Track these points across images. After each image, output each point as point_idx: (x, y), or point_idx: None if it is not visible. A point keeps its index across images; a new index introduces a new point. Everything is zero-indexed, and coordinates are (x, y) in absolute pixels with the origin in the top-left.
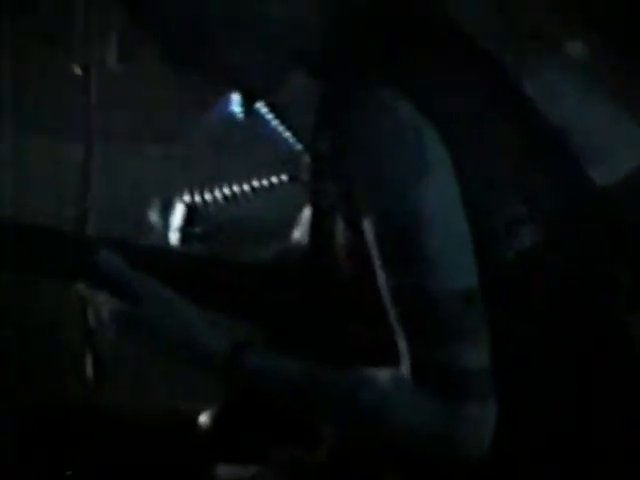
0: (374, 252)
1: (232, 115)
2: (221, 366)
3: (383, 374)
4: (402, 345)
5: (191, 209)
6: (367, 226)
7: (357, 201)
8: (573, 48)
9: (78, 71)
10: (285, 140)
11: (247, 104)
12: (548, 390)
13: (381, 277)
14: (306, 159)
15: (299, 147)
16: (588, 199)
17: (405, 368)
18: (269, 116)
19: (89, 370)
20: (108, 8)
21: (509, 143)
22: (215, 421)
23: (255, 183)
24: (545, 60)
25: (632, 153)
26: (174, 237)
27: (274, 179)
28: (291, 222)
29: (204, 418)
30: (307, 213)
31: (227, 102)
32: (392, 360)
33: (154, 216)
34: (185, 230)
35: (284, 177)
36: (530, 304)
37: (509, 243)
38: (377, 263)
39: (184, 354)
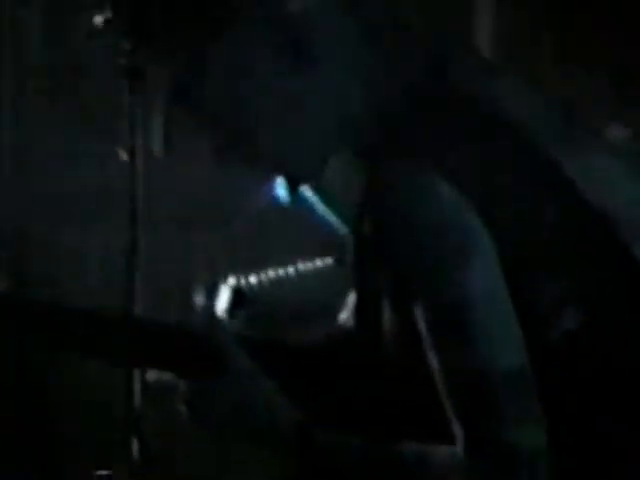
0: (422, 333)
1: (277, 199)
2: (293, 442)
3: (439, 452)
4: (455, 424)
5: (237, 292)
6: (414, 308)
7: (403, 284)
8: (615, 130)
9: (124, 156)
10: (330, 223)
11: (291, 188)
12: (597, 460)
13: (430, 357)
14: (351, 242)
15: (344, 230)
16: (632, 278)
17: (460, 446)
18: (314, 199)
19: (135, 452)
20: (154, 94)
21: (552, 224)
22: None
23: (300, 266)
24: (589, 144)
25: None
26: (220, 320)
27: (319, 262)
28: (336, 305)
29: None
30: (353, 296)
31: (272, 186)
32: (446, 438)
33: (200, 299)
34: (231, 313)
35: (329, 260)
36: (578, 382)
37: (554, 323)
38: (426, 344)
39: (260, 430)
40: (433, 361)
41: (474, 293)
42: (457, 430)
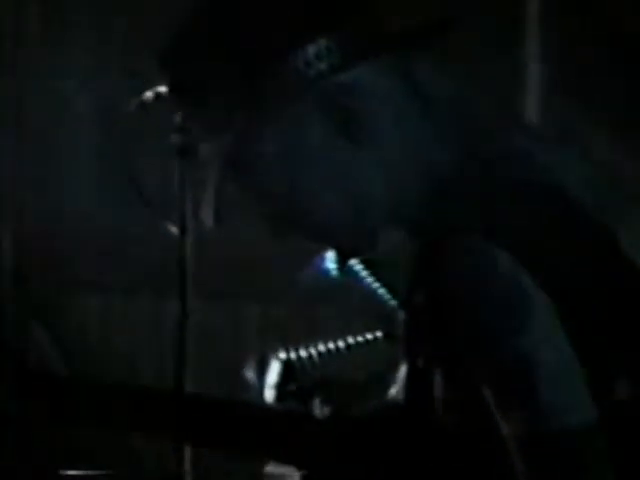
0: (489, 401)
1: (327, 272)
2: None
3: None
4: None
5: (287, 366)
6: (478, 378)
7: (460, 357)
8: None
9: (174, 231)
10: (380, 296)
11: (341, 261)
12: None
13: (501, 424)
14: (401, 315)
15: (394, 303)
16: None
17: None
18: (363, 273)
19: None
20: (205, 169)
21: (606, 297)
22: None
23: (350, 340)
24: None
25: None
26: (270, 394)
27: (369, 336)
28: (387, 379)
29: None
30: (403, 370)
31: (322, 260)
32: None
33: (250, 373)
34: (281, 387)
35: (379, 334)
36: (629, 446)
37: (606, 395)
38: (495, 411)
39: None
40: (504, 427)
41: (536, 356)
42: None
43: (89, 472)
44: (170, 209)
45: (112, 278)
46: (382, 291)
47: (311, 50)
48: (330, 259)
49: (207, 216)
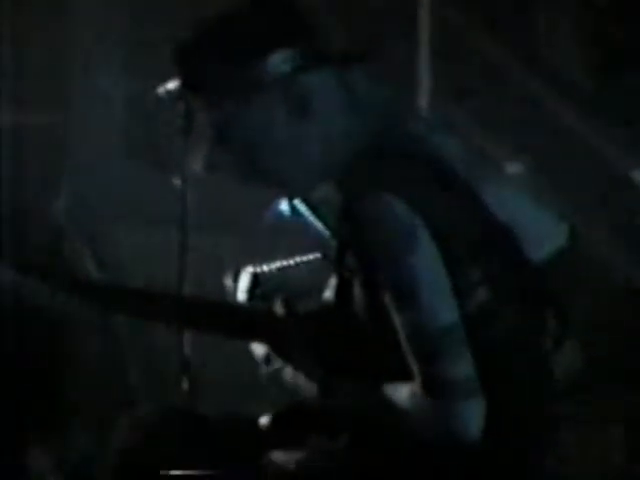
0: (387, 303)
1: (281, 212)
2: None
3: (402, 387)
4: (413, 367)
5: (254, 277)
6: (381, 286)
7: (371, 271)
8: (513, 167)
9: (178, 182)
10: (318, 229)
11: (291, 204)
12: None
13: (394, 319)
14: (333, 242)
15: (327, 234)
16: (525, 269)
17: (417, 383)
18: (307, 213)
19: (185, 387)
20: (199, 139)
21: (470, 231)
22: (272, 420)
23: (298, 259)
24: (498, 179)
25: (552, 241)
26: (242, 297)
27: (311, 256)
28: (322, 287)
29: (264, 419)
30: (333, 280)
31: (278, 203)
32: (406, 377)
33: (229, 282)
34: (250, 292)
35: (318, 255)
36: (487, 338)
37: (470, 298)
38: (390, 310)
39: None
40: (396, 321)
41: (419, 274)
42: (414, 370)
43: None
44: (175, 168)
45: (134, 218)
46: (319, 225)
47: (279, 57)
48: (284, 203)
49: (199, 168)
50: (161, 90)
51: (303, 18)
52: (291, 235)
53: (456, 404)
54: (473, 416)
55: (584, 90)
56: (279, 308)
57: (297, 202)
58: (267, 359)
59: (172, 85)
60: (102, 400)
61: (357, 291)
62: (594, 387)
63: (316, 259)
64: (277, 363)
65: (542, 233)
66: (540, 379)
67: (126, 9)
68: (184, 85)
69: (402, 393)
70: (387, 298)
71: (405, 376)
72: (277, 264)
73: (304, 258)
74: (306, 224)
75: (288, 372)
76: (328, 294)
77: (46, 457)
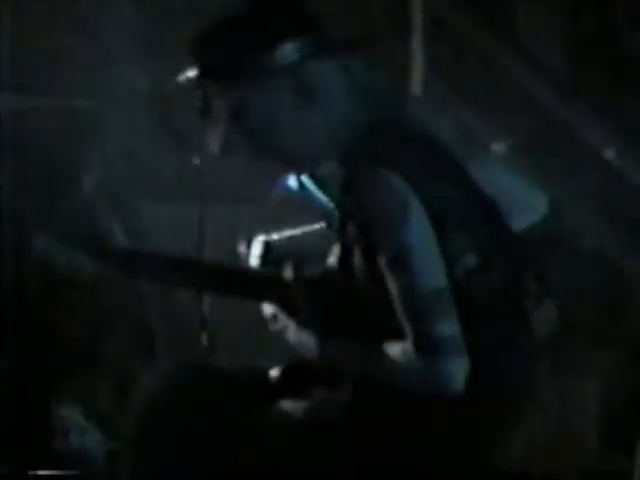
0: (382, 268)
1: (290, 185)
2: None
3: (395, 345)
4: (405, 326)
5: (266, 244)
6: (378, 253)
7: (371, 239)
8: (498, 147)
9: (197, 161)
10: (322, 202)
11: (299, 180)
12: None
13: (389, 282)
14: (336, 214)
15: (331, 206)
16: (508, 238)
17: (408, 341)
18: (312, 186)
19: (205, 342)
20: (216, 120)
21: (459, 204)
22: (282, 374)
23: (305, 228)
24: (481, 155)
25: (532, 213)
26: (255, 262)
27: (317, 226)
28: (326, 252)
29: (274, 372)
30: (337, 247)
31: (286, 178)
32: (400, 336)
33: (243, 250)
34: (262, 258)
35: (323, 224)
36: (475, 299)
37: (458, 264)
38: (385, 274)
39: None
40: (390, 284)
41: (412, 242)
42: (406, 328)
43: None
44: (195, 148)
45: (157, 192)
46: (324, 198)
47: (288, 47)
48: (292, 178)
49: (216, 147)
50: (181, 77)
51: (310, 12)
52: (298, 207)
53: (442, 359)
54: (457, 371)
55: (561, 73)
56: (288, 272)
57: (304, 177)
58: (274, 318)
59: (191, 73)
60: (125, 354)
61: (357, 257)
62: (570, 342)
63: (321, 229)
64: (283, 322)
65: (523, 206)
66: (522, 335)
67: (149, 3)
68: (202, 73)
69: (395, 350)
70: (383, 263)
71: (398, 334)
72: (286, 233)
73: (310, 228)
74: (312, 197)
75: (291, 330)
76: (332, 260)
77: (74, 409)
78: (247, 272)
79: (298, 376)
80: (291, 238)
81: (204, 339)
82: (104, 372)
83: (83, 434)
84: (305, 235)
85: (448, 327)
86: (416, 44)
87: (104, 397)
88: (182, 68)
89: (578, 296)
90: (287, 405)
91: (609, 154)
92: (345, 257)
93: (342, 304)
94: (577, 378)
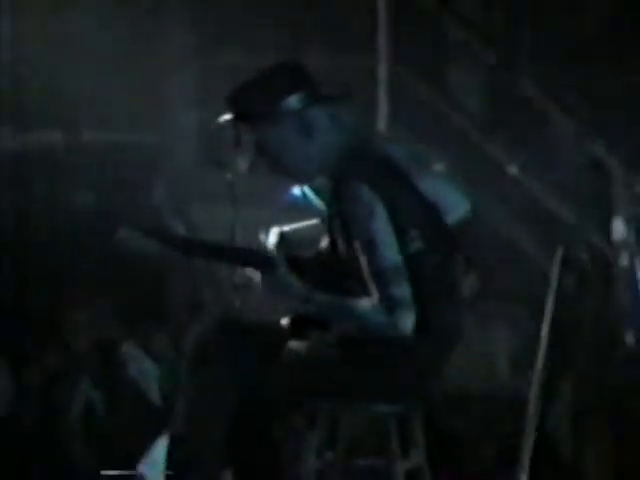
0: (357, 250)
1: (294, 194)
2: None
3: (364, 300)
4: (371, 289)
5: (280, 234)
6: (354, 239)
7: (348, 230)
8: (438, 166)
9: (229, 177)
10: (317, 205)
11: (301, 189)
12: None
13: (361, 260)
14: (326, 213)
15: (323, 208)
16: (444, 229)
17: (373, 298)
18: (310, 194)
19: (237, 303)
20: (245, 162)
21: (409, 205)
22: (290, 322)
23: (306, 222)
24: (425, 170)
25: (459, 210)
26: (271, 248)
27: (312, 221)
28: (320, 239)
29: (285, 321)
30: (326, 237)
31: (291, 188)
32: (367, 294)
33: (263, 238)
34: (277, 244)
35: (317, 221)
36: (421, 273)
37: (410, 248)
38: (357, 254)
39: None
40: (362, 261)
41: (376, 234)
42: (372, 290)
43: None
44: (229, 168)
45: (204, 199)
46: (318, 202)
47: (293, 98)
48: (295, 189)
49: (244, 168)
50: (220, 119)
51: (309, 74)
52: (301, 208)
53: (397, 312)
54: (408, 320)
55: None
56: (296, 254)
57: (304, 188)
58: (249, 279)
59: (227, 116)
60: (180, 307)
61: (340, 243)
62: (486, 303)
63: (316, 223)
64: (249, 282)
65: (454, 206)
66: (454, 296)
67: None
68: (235, 117)
69: (364, 303)
70: (357, 247)
71: (366, 294)
72: (293, 226)
73: (308, 223)
74: (310, 202)
75: (256, 285)
76: (323, 244)
77: (135, 348)
78: (262, 253)
79: (301, 323)
80: (296, 230)
81: (237, 300)
82: (162, 321)
83: (141, 366)
84: (306, 228)
85: (401, 290)
86: (381, 95)
87: (162, 340)
88: (222, 113)
89: (492, 269)
90: (294, 344)
91: (512, 169)
92: (332, 242)
93: (330, 273)
94: (491, 327)
